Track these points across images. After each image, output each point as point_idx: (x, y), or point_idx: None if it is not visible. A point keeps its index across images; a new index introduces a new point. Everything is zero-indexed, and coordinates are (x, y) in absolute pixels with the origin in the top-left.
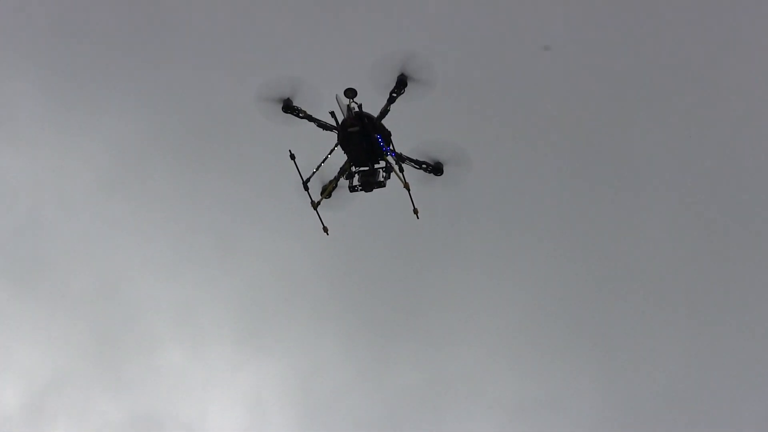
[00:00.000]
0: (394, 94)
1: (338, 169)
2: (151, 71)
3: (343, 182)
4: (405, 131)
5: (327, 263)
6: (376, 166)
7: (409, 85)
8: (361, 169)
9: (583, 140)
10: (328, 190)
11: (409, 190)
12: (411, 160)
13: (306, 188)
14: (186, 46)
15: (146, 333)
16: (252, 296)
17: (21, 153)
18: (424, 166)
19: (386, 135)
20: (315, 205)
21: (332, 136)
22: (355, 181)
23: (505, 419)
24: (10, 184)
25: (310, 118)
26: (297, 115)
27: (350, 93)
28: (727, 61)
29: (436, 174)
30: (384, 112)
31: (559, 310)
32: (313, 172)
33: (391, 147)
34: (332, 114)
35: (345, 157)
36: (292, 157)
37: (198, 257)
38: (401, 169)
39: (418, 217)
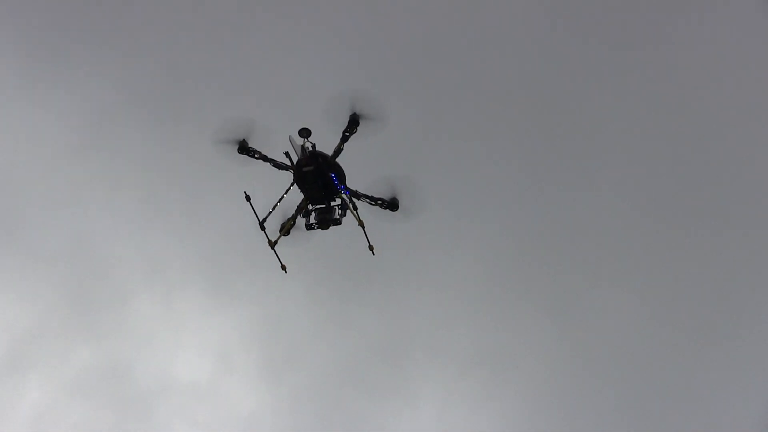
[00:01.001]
0: (347, 133)
1: (295, 207)
2: (126, 30)
3: (300, 220)
4: (359, 168)
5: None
6: (333, 203)
7: (361, 123)
8: (318, 206)
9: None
10: (286, 228)
11: (363, 227)
12: (366, 196)
13: (263, 228)
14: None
15: (118, 285)
16: (219, 248)
17: None
18: (379, 202)
19: (340, 173)
20: (272, 245)
21: (288, 175)
22: (312, 219)
23: (461, 368)
24: None
25: (265, 159)
26: (253, 156)
27: (304, 132)
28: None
29: (391, 209)
30: (338, 150)
31: (514, 266)
32: (269, 212)
33: (345, 185)
34: (287, 154)
35: (302, 195)
36: (248, 198)
37: (167, 212)
38: (355, 207)
39: (374, 254)
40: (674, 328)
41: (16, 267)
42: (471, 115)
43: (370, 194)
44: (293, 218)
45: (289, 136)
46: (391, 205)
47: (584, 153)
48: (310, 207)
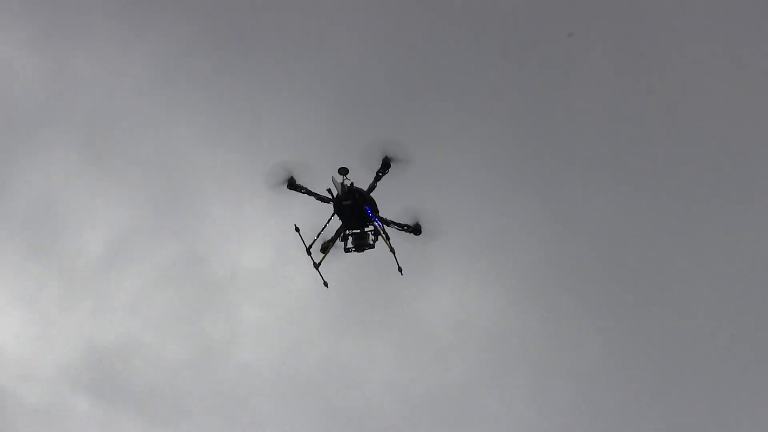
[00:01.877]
0: (380, 174)
1: (335, 231)
2: None
3: (339, 244)
4: (389, 200)
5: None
6: (366, 229)
7: (392, 166)
8: (354, 231)
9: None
10: (327, 248)
11: (394, 252)
12: (394, 223)
13: (309, 253)
14: None
15: (197, 191)
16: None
17: (95, 52)
18: (405, 228)
19: (374, 206)
20: (317, 266)
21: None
22: (349, 243)
23: (474, 253)
24: (84, 75)
25: (310, 193)
26: (300, 191)
27: (343, 171)
28: None
29: (415, 234)
30: (372, 187)
31: (516, 163)
32: (314, 240)
33: (377, 216)
34: (329, 191)
35: (340, 222)
36: (297, 229)
37: (235, 131)
38: (387, 237)
39: (402, 274)
40: (662, 213)
41: (114, 177)
42: None
43: (397, 221)
44: (333, 240)
45: (332, 177)
46: (415, 230)
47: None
48: (347, 232)
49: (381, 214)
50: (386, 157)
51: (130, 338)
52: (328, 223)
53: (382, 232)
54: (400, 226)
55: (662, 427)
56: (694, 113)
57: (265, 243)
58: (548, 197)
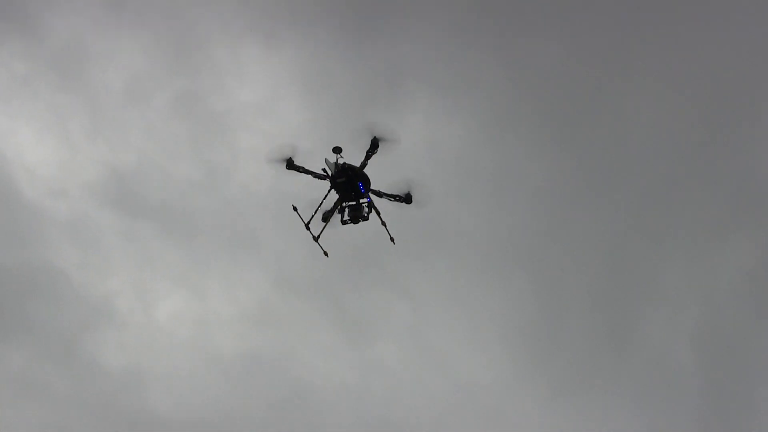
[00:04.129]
0: (370, 153)
1: (333, 203)
2: None
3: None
4: (381, 173)
5: None
6: (361, 201)
7: (381, 146)
8: (349, 204)
9: None
10: (328, 218)
11: (385, 225)
12: (386, 194)
13: (308, 228)
14: None
15: (203, 40)
16: None
17: None
18: (397, 198)
19: (366, 181)
20: (316, 239)
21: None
22: (346, 215)
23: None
24: None
25: (308, 172)
26: (298, 170)
27: (337, 150)
28: None
29: (407, 203)
30: (363, 165)
31: None
32: (312, 215)
33: (369, 190)
34: (324, 170)
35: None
36: (295, 209)
37: None
38: (378, 212)
39: (394, 243)
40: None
41: (133, 21)
42: None
43: (389, 192)
44: (332, 211)
45: (325, 159)
46: (406, 199)
47: None
48: (343, 204)
49: (374, 186)
50: (374, 137)
51: (146, 161)
52: (325, 198)
53: (374, 207)
54: (392, 197)
55: (607, 227)
56: None
57: (259, 78)
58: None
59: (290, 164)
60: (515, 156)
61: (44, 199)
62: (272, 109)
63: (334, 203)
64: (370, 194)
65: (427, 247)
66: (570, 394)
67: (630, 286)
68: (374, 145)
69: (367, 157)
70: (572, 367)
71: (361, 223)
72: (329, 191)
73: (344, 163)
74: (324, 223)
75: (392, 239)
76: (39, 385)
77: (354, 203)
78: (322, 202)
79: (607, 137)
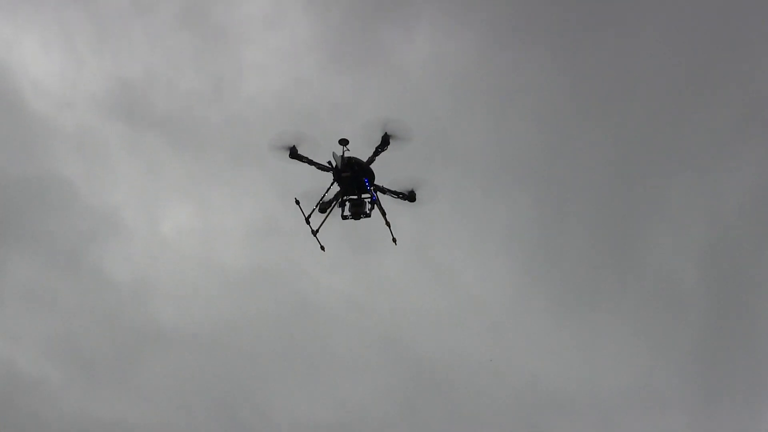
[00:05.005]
0: (379, 149)
1: (334, 195)
2: None
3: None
4: (386, 169)
5: None
6: (364, 196)
7: (391, 143)
8: (351, 198)
9: None
10: (326, 210)
11: (389, 226)
12: (390, 190)
13: (308, 222)
14: None
15: None
16: None
17: None
18: (401, 195)
19: (371, 176)
20: (314, 233)
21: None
22: (347, 210)
23: None
24: None
25: (311, 163)
26: (301, 160)
27: (343, 142)
28: None
29: (410, 201)
30: (370, 161)
31: None
32: (313, 209)
33: (373, 186)
34: (329, 163)
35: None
36: (297, 202)
37: None
38: (384, 213)
39: (396, 244)
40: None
41: None
42: None
43: (393, 189)
44: (331, 203)
45: (333, 152)
46: (410, 197)
47: None
48: (344, 198)
49: (377, 182)
50: (386, 133)
51: (153, 73)
52: (327, 192)
53: (378, 206)
54: (395, 194)
55: (612, 143)
56: None
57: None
58: None
59: (293, 153)
60: (521, 70)
61: (50, 111)
62: (279, 22)
63: (335, 194)
64: (375, 191)
65: (432, 162)
66: (574, 309)
67: (635, 202)
68: (385, 142)
69: (376, 152)
70: (576, 283)
71: (363, 218)
72: (332, 184)
73: (350, 156)
74: (321, 214)
75: (394, 240)
76: (46, 295)
77: (356, 198)
78: (324, 195)
79: (613, 52)
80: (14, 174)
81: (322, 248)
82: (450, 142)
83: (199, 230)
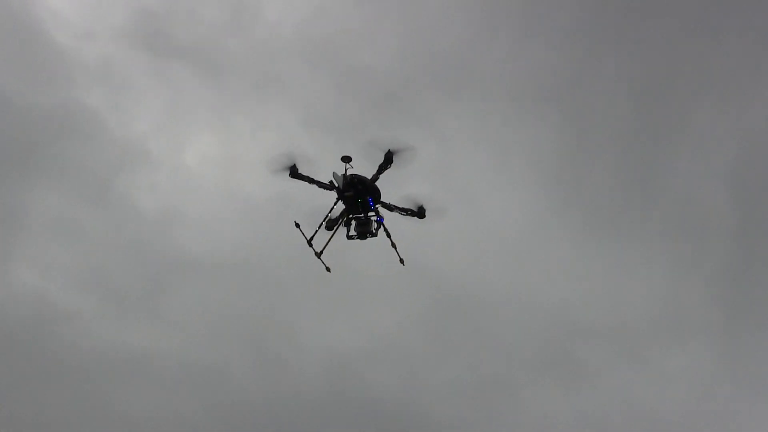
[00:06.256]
0: (383, 167)
1: (339, 213)
2: None
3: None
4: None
5: None
6: (370, 214)
7: (394, 161)
8: (357, 216)
9: None
10: (332, 227)
11: (395, 247)
12: (398, 207)
13: (310, 245)
14: None
15: None
16: None
17: None
18: (409, 212)
19: (377, 194)
20: (318, 255)
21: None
22: (352, 230)
23: None
24: None
25: (312, 182)
26: (302, 179)
27: (346, 159)
28: None
29: (419, 217)
30: (374, 179)
31: None
32: (316, 231)
33: (379, 204)
34: (331, 182)
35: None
36: (297, 225)
37: None
38: (389, 234)
39: (404, 265)
40: None
41: None
42: None
43: (400, 205)
44: (337, 221)
45: (333, 173)
46: (419, 214)
47: None
48: (350, 216)
49: (384, 198)
50: (389, 150)
51: (174, 2)
52: (330, 211)
53: (384, 229)
54: (404, 211)
55: (638, 62)
56: None
57: None
58: None
59: (294, 172)
60: None
61: (72, 42)
62: None
63: (340, 213)
64: (381, 207)
65: (456, 86)
66: (600, 232)
67: (659, 125)
68: (388, 160)
69: (380, 170)
70: (602, 206)
71: (369, 238)
72: (336, 203)
73: (353, 174)
74: (327, 231)
75: (402, 261)
76: (74, 225)
77: (362, 217)
78: (327, 215)
79: None
80: (40, 105)
81: (328, 269)
82: (472, 67)
83: (223, 159)
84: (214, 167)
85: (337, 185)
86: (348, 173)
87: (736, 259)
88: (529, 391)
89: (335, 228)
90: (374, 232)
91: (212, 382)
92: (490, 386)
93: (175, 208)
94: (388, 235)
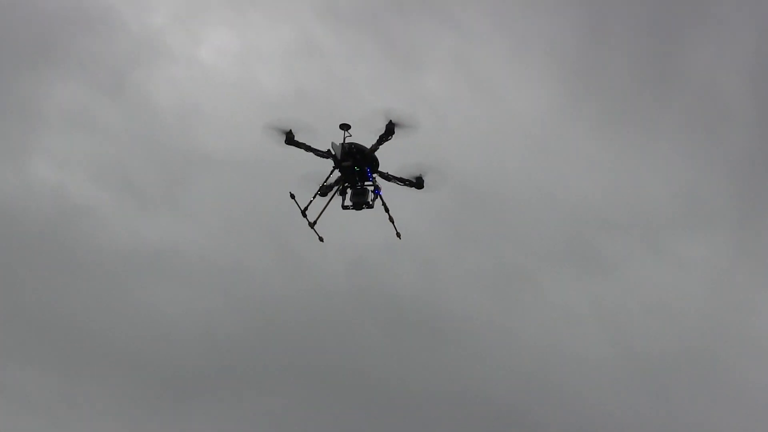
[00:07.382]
0: (383, 138)
1: (335, 180)
2: None
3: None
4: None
5: None
6: (366, 184)
7: (396, 132)
8: (353, 186)
9: None
10: (326, 193)
11: (392, 221)
12: (395, 177)
13: (305, 215)
14: None
15: None
16: None
17: None
18: (407, 182)
19: (375, 164)
20: (311, 225)
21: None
22: (348, 200)
23: None
24: None
25: (308, 149)
26: (298, 146)
27: (345, 126)
28: None
29: (417, 188)
30: (374, 149)
31: None
32: (310, 201)
33: (377, 174)
34: (328, 151)
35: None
36: (292, 196)
37: None
38: (387, 209)
39: (400, 238)
40: None
41: None
42: None
43: (398, 176)
44: (332, 188)
45: (332, 142)
46: (418, 184)
47: None
48: (345, 185)
49: (382, 168)
50: (390, 121)
51: None
52: (326, 180)
53: (382, 201)
54: (402, 181)
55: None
56: None
57: None
58: None
59: (290, 139)
60: None
61: None
62: None
63: (336, 180)
64: (378, 177)
65: None
66: (619, 124)
67: (678, 13)
68: (389, 131)
69: (380, 141)
70: (621, 97)
71: (365, 209)
72: (332, 172)
73: (351, 143)
74: (322, 197)
75: (398, 234)
76: (91, 118)
77: (359, 187)
78: (323, 184)
79: None
80: None
81: (321, 239)
82: None
83: (239, 52)
84: (230, 60)
85: (334, 154)
86: (346, 142)
87: (755, 149)
88: (548, 282)
89: (330, 196)
90: (371, 202)
91: (232, 277)
92: (509, 278)
93: (192, 101)
94: (386, 209)
